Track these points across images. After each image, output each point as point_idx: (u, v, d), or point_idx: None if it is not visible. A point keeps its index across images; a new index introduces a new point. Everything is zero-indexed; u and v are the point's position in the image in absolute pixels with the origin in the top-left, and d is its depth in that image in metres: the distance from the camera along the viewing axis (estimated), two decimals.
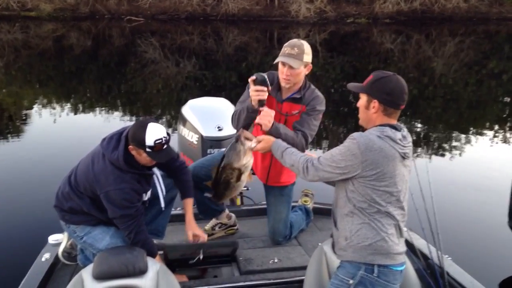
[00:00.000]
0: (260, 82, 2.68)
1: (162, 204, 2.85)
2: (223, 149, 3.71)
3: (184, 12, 25.98)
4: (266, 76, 2.71)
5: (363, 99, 2.18)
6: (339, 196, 2.20)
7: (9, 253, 4.22)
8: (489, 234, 4.73)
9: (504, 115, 10.44)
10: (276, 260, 3.04)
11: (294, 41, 2.85)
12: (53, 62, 15.89)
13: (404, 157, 2.09)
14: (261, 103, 2.71)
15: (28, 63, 15.64)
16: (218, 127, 3.88)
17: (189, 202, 2.98)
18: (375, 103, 2.11)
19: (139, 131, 2.51)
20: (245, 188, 4.21)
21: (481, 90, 12.35)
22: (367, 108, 2.15)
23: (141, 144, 2.51)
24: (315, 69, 14.31)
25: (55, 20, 25.33)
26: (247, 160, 2.52)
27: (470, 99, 11.54)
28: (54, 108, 10.16)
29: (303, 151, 2.65)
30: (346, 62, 15.79)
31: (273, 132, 2.68)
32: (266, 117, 2.66)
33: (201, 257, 2.89)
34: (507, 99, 11.88)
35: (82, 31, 22.90)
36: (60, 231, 2.98)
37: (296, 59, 2.79)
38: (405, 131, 2.16)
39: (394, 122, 2.15)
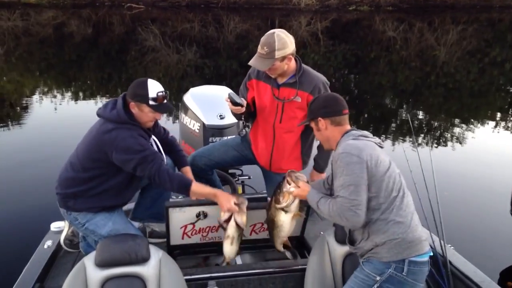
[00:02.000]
0: (233, 103, 2.87)
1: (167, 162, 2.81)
2: (225, 138, 3.71)
3: None
4: (236, 98, 2.85)
5: (313, 126, 2.37)
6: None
7: (12, 240, 4.23)
8: (491, 223, 4.74)
9: (506, 104, 10.41)
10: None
11: (267, 37, 2.78)
12: (53, 50, 15.83)
13: (381, 146, 2.21)
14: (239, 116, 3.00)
15: (29, 51, 15.58)
16: (220, 115, 3.85)
17: (189, 170, 2.97)
18: (320, 121, 2.29)
19: (140, 86, 2.56)
20: (247, 177, 4.21)
21: (483, 79, 12.29)
22: (319, 129, 2.32)
23: (144, 97, 2.54)
24: (317, 58, 14.29)
25: (55, 7, 25.22)
26: (287, 202, 2.47)
27: (473, 87, 11.49)
28: (54, 96, 10.14)
29: None
30: (348, 50, 15.70)
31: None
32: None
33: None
34: (510, 88, 11.84)
35: (83, 19, 22.78)
36: (63, 218, 2.97)
37: (266, 58, 2.76)
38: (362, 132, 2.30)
39: (348, 127, 2.28)
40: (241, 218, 2.58)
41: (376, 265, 2.11)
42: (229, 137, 3.69)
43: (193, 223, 2.85)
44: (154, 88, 2.57)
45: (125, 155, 2.47)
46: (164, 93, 2.59)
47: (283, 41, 2.76)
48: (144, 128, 2.65)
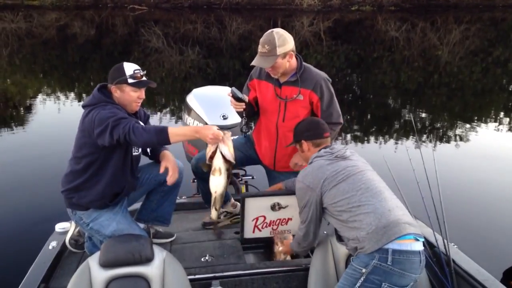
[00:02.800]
0: (236, 99, 2.91)
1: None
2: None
3: (187, 0, 25.86)
4: (238, 94, 2.88)
5: (298, 148, 2.63)
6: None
7: (17, 241, 4.25)
8: (495, 222, 4.73)
9: (510, 103, 10.38)
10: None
11: (266, 36, 2.81)
12: (56, 51, 15.89)
13: (342, 157, 2.38)
14: (241, 114, 3.06)
15: (32, 52, 15.64)
16: (223, 115, 3.86)
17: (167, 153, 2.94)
18: (303, 143, 2.56)
19: (117, 69, 2.63)
20: (250, 177, 4.21)
21: (486, 78, 12.26)
22: (303, 151, 2.58)
23: (122, 76, 2.60)
24: (319, 58, 14.28)
25: (58, 9, 25.31)
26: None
27: (476, 87, 11.46)
28: (58, 97, 10.18)
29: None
30: (351, 50, 15.70)
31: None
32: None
33: None
34: None
35: (86, 20, 22.85)
36: (67, 219, 2.99)
37: (268, 56, 2.79)
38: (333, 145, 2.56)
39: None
40: (228, 149, 2.57)
41: (361, 258, 2.13)
42: (232, 138, 3.69)
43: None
44: (130, 67, 2.64)
45: (100, 125, 2.48)
46: (140, 70, 2.66)
47: (283, 37, 2.80)
48: (129, 112, 2.67)
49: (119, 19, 23.45)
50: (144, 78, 2.67)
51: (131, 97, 2.65)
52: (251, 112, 3.13)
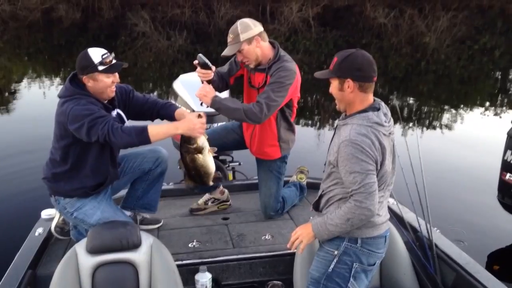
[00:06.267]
0: (202, 65, 2.84)
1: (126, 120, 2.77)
2: (215, 124, 3.72)
3: None
4: (206, 60, 2.83)
5: (334, 83, 2.14)
6: (331, 183, 2.20)
7: (2, 228, 4.23)
8: (478, 207, 4.82)
9: (495, 91, 10.49)
10: (268, 237, 3.08)
11: (231, 27, 2.91)
12: (41, 35, 15.63)
13: (390, 134, 2.15)
14: (209, 82, 2.89)
15: (17, 36, 15.36)
16: None
17: (182, 110, 2.91)
18: (349, 82, 2.07)
19: (83, 58, 2.52)
20: (237, 163, 4.23)
21: (473, 66, 12.36)
22: (342, 89, 2.11)
23: (91, 65, 2.49)
24: (308, 44, 14.24)
25: None
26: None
27: (462, 74, 11.56)
28: (43, 82, 10.05)
29: (254, 118, 2.80)
30: (339, 37, 15.67)
31: (213, 106, 2.80)
32: (201, 91, 2.80)
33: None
34: (499, 75, 11.92)
35: (71, 3, 22.31)
36: (53, 206, 2.98)
37: (231, 44, 2.88)
38: (383, 107, 2.17)
39: (371, 97, 2.15)
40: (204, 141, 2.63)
41: (333, 241, 2.18)
42: (222, 123, 3.70)
43: None
44: (97, 53, 2.52)
45: (76, 123, 2.43)
46: (108, 53, 2.55)
47: (245, 24, 2.88)
48: (104, 100, 2.62)
49: (105, 2, 22.97)
50: (114, 61, 2.56)
51: (106, 83, 2.56)
52: (221, 85, 3.11)
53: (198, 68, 2.86)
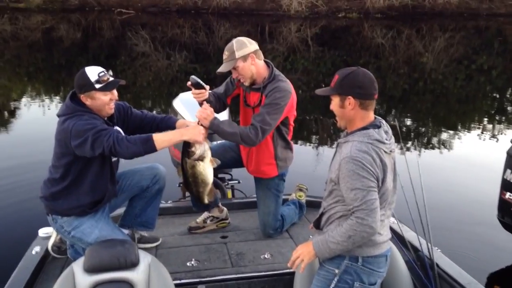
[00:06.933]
0: (195, 85, 2.83)
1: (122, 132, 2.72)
2: (214, 142, 3.72)
3: (175, 5, 25.85)
4: (198, 80, 2.83)
5: (335, 100, 2.15)
6: (332, 201, 2.19)
7: None
8: (478, 227, 4.79)
9: (493, 111, 10.54)
10: (267, 256, 3.05)
11: (227, 45, 2.94)
12: (42, 54, 15.74)
13: (391, 152, 2.14)
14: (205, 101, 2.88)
15: (17, 55, 15.47)
16: None
17: (183, 121, 2.96)
18: (350, 99, 2.09)
19: (80, 77, 2.54)
20: (236, 181, 4.22)
21: (470, 86, 12.44)
22: (343, 106, 2.12)
23: (88, 84, 2.51)
24: (306, 63, 14.36)
25: (44, 12, 25.08)
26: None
27: (460, 94, 11.62)
28: (43, 101, 10.07)
29: (250, 142, 2.82)
30: (337, 56, 15.81)
31: (211, 128, 2.78)
32: (202, 114, 2.75)
33: None
34: (496, 95, 11.99)
35: (72, 23, 22.67)
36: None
37: (227, 62, 2.92)
38: (384, 125, 2.17)
39: (372, 114, 2.16)
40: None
41: (333, 259, 2.16)
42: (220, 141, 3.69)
43: None
44: (94, 72, 2.54)
45: (79, 138, 2.43)
46: (104, 72, 2.56)
47: (241, 42, 2.93)
48: (103, 117, 2.62)
49: (106, 22, 23.31)
50: (111, 79, 2.58)
51: (103, 101, 2.57)
52: (218, 106, 3.12)
53: (193, 89, 2.86)
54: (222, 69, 2.95)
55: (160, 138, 2.50)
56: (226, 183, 4.16)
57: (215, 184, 3.61)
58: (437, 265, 2.71)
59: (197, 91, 2.85)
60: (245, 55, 2.90)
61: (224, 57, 2.94)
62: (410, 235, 3.01)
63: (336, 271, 2.15)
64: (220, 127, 2.81)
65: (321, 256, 2.16)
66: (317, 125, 8.87)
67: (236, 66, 2.91)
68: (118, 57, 14.89)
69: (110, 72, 2.63)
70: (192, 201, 3.36)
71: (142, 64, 13.87)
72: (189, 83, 2.85)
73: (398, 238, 2.95)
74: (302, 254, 2.18)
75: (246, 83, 3.00)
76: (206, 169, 2.68)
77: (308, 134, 8.19)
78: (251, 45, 2.94)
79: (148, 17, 24.68)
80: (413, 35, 20.51)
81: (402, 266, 2.55)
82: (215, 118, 2.81)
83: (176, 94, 4.40)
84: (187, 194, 4.00)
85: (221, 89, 3.21)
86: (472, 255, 4.18)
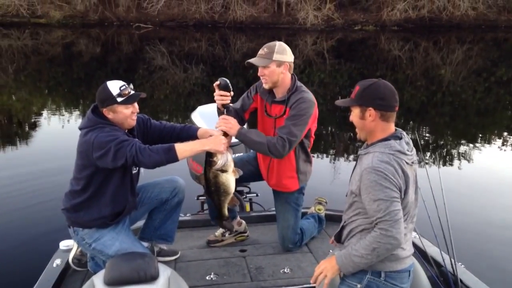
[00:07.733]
0: (223, 87, 2.81)
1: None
2: (234, 155, 3.72)
3: (192, 19, 26.15)
4: (228, 82, 2.81)
5: (355, 112, 2.14)
6: (353, 213, 2.16)
7: (21, 258, 4.23)
8: (503, 241, 4.68)
9: None
10: (286, 270, 3.02)
11: (269, 43, 2.94)
12: (62, 69, 16.02)
13: (413, 164, 2.11)
14: (225, 107, 2.87)
15: (38, 69, 15.78)
16: None
17: (205, 130, 2.95)
18: (370, 111, 2.08)
19: (102, 91, 2.59)
20: (254, 194, 4.21)
21: (489, 98, 12.28)
22: (363, 118, 2.11)
23: (111, 98, 2.56)
24: (323, 76, 14.35)
25: (65, 27, 25.59)
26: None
27: (479, 106, 11.47)
28: (63, 114, 10.23)
29: (277, 153, 2.79)
30: (354, 69, 15.77)
31: (238, 137, 2.77)
32: (227, 124, 2.74)
33: None
34: None
35: (91, 38, 23.10)
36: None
37: (264, 58, 2.89)
38: (405, 136, 2.14)
39: (392, 126, 2.14)
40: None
41: (356, 274, 2.11)
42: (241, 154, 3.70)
43: None
44: (115, 86, 2.59)
45: (101, 149, 2.47)
46: (126, 85, 2.61)
47: (283, 47, 2.92)
48: (125, 129, 2.66)
49: (124, 37, 23.69)
50: (132, 92, 2.63)
51: (125, 114, 2.62)
52: (237, 120, 3.06)
53: (217, 91, 2.85)
54: (254, 61, 2.93)
55: (182, 148, 2.53)
56: (245, 196, 4.15)
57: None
58: (461, 281, 2.66)
59: (222, 93, 2.83)
60: (281, 61, 2.90)
61: (261, 52, 2.91)
62: (432, 250, 2.96)
63: (358, 286, 2.12)
64: (247, 136, 2.80)
65: (345, 271, 2.12)
66: (335, 138, 8.83)
67: (268, 66, 2.90)
68: (136, 71, 15.07)
69: (131, 86, 2.67)
70: (210, 215, 3.35)
71: (159, 78, 14.02)
72: (217, 83, 2.84)
73: (420, 253, 2.89)
74: (325, 269, 2.14)
75: (266, 86, 2.99)
76: (229, 179, 2.68)
77: (326, 147, 8.15)
78: (290, 56, 2.96)
79: (166, 31, 25.00)
80: (431, 47, 20.39)
81: (425, 282, 2.50)
82: (242, 127, 2.81)
83: (194, 107, 4.42)
84: (205, 207, 4.00)
85: (237, 104, 3.20)
86: (496, 272, 4.08)
